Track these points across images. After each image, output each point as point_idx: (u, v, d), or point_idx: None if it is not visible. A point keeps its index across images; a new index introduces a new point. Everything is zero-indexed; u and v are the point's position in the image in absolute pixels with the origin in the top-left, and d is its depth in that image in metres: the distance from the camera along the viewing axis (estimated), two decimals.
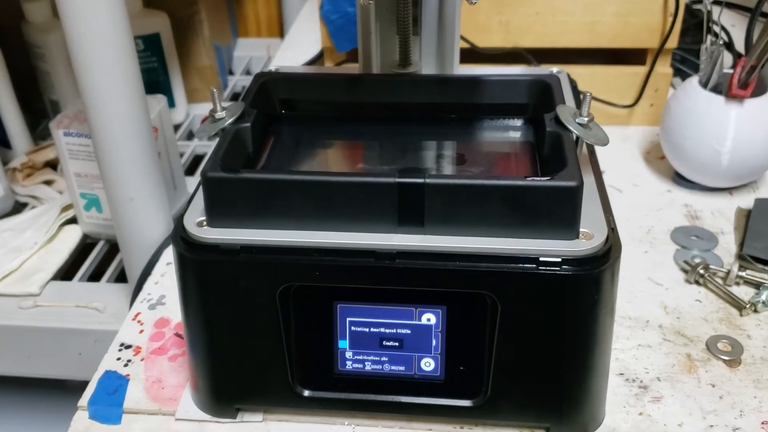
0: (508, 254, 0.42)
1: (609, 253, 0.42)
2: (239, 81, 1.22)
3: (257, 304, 0.45)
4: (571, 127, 0.46)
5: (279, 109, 0.56)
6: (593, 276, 0.42)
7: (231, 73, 1.25)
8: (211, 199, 0.44)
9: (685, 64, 0.94)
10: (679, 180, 0.75)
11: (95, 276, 0.81)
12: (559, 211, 0.41)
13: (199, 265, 0.45)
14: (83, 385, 0.55)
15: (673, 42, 0.81)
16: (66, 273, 0.80)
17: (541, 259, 0.42)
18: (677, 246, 0.66)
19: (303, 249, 0.43)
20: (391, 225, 0.43)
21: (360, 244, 0.43)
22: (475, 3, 0.50)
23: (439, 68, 0.59)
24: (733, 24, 1.04)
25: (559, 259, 0.42)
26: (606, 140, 0.46)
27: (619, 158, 0.80)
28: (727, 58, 0.76)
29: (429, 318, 0.46)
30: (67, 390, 0.93)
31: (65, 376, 0.78)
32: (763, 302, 0.58)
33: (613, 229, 0.44)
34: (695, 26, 0.98)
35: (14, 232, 0.83)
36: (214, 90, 0.48)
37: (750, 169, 0.70)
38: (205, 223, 0.45)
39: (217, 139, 0.48)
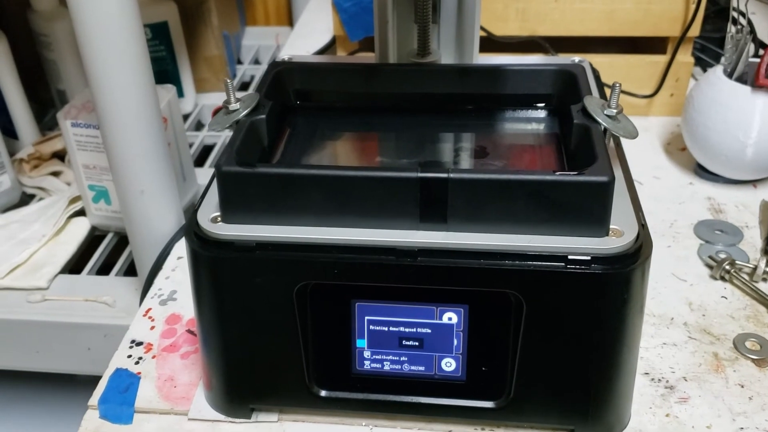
0: (534, 252, 0.40)
1: (640, 251, 0.41)
2: (248, 70, 1.20)
3: (273, 303, 0.44)
4: (599, 119, 0.44)
5: (294, 100, 0.55)
6: (623, 275, 0.40)
7: (239, 62, 1.23)
8: (226, 194, 0.42)
9: (705, 52, 0.92)
10: (702, 172, 0.73)
11: (104, 268, 0.80)
12: (588, 208, 0.40)
13: (214, 263, 0.43)
14: (93, 379, 0.53)
15: (695, 30, 0.78)
16: (74, 266, 0.79)
17: (570, 257, 0.40)
18: (701, 240, 0.65)
19: (321, 246, 0.42)
20: (413, 221, 0.42)
21: (380, 241, 0.41)
22: None
23: (459, 57, 0.57)
24: (754, 12, 1.01)
25: (589, 258, 0.40)
26: (635, 133, 0.45)
27: (640, 150, 0.78)
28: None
29: (450, 317, 0.44)
30: (76, 384, 0.92)
31: (74, 371, 0.77)
32: None
33: (643, 226, 0.42)
34: (715, 14, 0.95)
35: (22, 224, 0.82)
36: (228, 80, 0.46)
37: None
38: (219, 218, 0.43)
39: (230, 131, 0.46)
